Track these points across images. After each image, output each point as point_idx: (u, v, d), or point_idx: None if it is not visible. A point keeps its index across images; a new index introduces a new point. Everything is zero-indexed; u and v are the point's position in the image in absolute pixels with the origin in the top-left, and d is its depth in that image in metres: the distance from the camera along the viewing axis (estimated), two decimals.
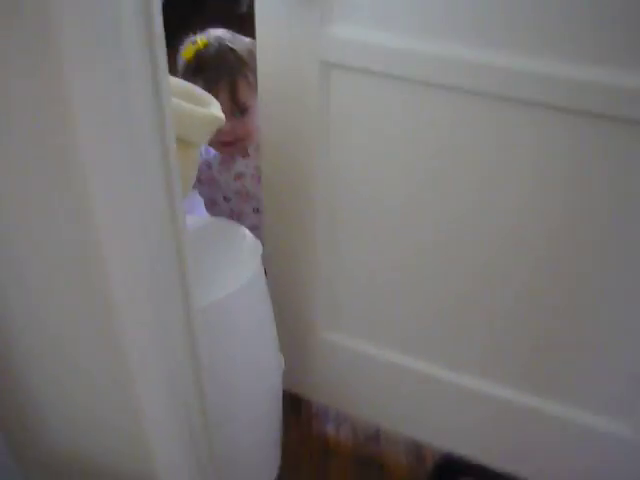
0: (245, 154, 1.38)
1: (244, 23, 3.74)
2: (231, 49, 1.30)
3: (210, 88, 1.23)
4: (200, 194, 1.48)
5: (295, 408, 1.57)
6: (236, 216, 1.44)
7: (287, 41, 1.08)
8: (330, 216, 1.25)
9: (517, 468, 1.35)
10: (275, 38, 1.09)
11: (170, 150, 0.71)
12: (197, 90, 1.09)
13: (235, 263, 1.13)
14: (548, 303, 1.15)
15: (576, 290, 1.11)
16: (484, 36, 0.96)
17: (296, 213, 1.27)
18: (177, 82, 1.08)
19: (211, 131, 1.02)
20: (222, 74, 1.27)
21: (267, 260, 1.34)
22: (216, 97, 1.22)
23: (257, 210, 1.42)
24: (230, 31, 1.34)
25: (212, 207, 1.47)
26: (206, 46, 1.29)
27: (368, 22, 1.03)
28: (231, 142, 1.33)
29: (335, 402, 1.54)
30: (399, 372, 1.37)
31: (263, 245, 1.17)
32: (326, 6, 1.03)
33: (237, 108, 1.29)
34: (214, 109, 1.03)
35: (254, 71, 1.25)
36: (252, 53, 1.29)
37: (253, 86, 1.28)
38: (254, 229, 1.42)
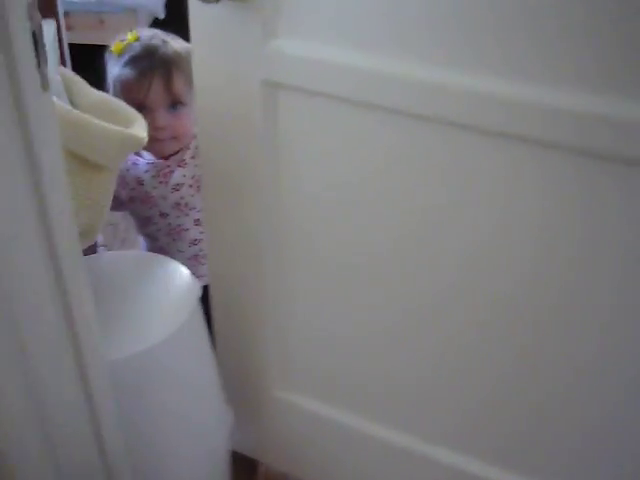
0: (181, 163, 1.26)
1: None
2: (164, 42, 1.21)
3: (143, 80, 1.17)
4: (132, 214, 1.35)
5: (249, 473, 1.40)
6: (176, 232, 1.31)
7: (224, 56, 0.92)
8: (279, 259, 1.09)
9: None
10: (211, 50, 0.93)
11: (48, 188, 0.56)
12: (121, 106, 0.94)
13: (168, 306, 0.99)
14: (545, 369, 0.98)
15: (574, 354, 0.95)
16: (449, 56, 0.81)
17: (241, 252, 1.11)
18: (99, 95, 0.94)
19: (126, 153, 0.88)
20: (157, 64, 1.18)
21: (213, 300, 1.20)
22: (149, 89, 1.16)
23: (198, 222, 1.30)
24: (162, 34, 1.24)
25: (147, 226, 1.33)
26: (137, 40, 1.20)
27: (319, 36, 0.87)
28: (165, 140, 1.22)
29: (290, 468, 1.35)
30: (362, 440, 1.19)
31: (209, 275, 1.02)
32: (269, 16, 0.87)
33: (172, 100, 1.20)
34: (137, 128, 0.88)
35: (189, 70, 1.13)
36: (188, 53, 1.18)
37: (189, 82, 1.18)
38: (195, 243, 1.32)
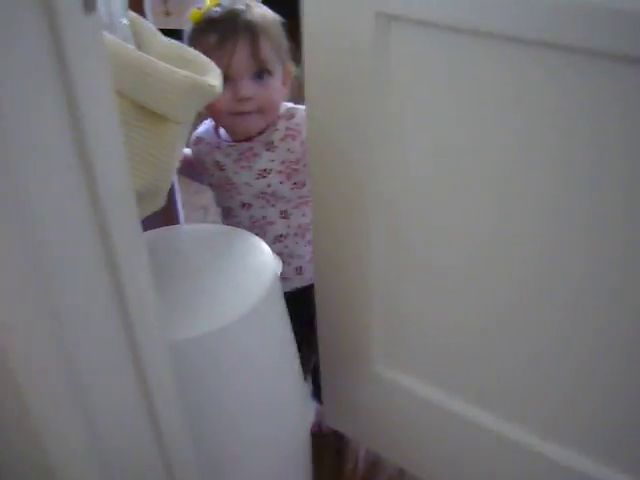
0: (269, 146, 1.13)
1: None
2: (249, 7, 1.09)
3: (225, 44, 1.05)
4: (216, 202, 1.25)
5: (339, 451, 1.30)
6: (259, 226, 1.18)
7: None
8: (388, 232, 0.97)
9: None
10: None
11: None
12: (194, 54, 0.84)
13: (244, 283, 0.89)
14: None
15: None
16: None
17: (348, 225, 1.00)
18: (169, 43, 0.84)
19: (196, 103, 0.76)
20: (241, 27, 1.05)
21: (316, 274, 1.10)
22: (232, 54, 1.04)
23: (285, 214, 1.18)
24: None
25: (228, 217, 1.22)
26: (218, 4, 1.08)
27: None
28: (250, 112, 1.09)
29: (383, 449, 1.25)
30: (461, 424, 1.07)
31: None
32: None
33: (259, 68, 1.07)
34: (211, 77, 0.77)
35: (276, 39, 1.07)
36: (275, 20, 1.11)
37: (276, 50, 1.08)
38: (281, 240, 1.19)
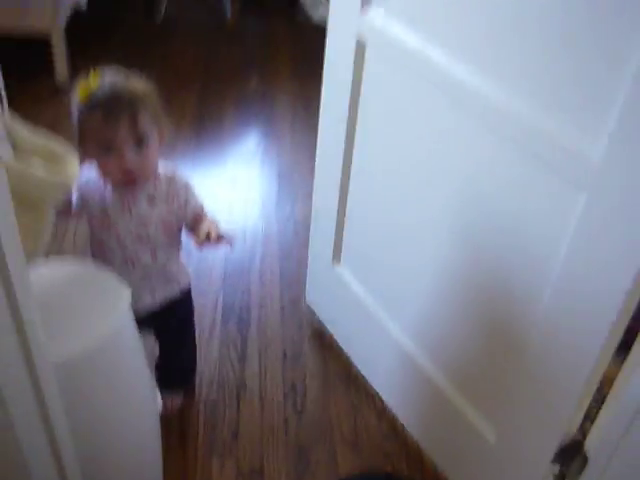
0: (152, 201, 1.37)
1: (159, 33, 3.83)
2: (126, 87, 1.29)
3: (109, 121, 1.24)
4: (91, 237, 1.45)
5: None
6: (130, 262, 1.42)
7: (338, 22, 1.50)
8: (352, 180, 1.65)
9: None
10: (333, 19, 1.52)
11: None
12: (57, 146, 1.12)
13: (101, 311, 1.17)
14: None
15: None
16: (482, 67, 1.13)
17: (332, 179, 1.71)
18: (36, 140, 1.12)
19: (60, 193, 1.06)
20: (122, 104, 1.26)
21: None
22: (117, 131, 1.24)
23: (154, 255, 1.42)
24: (123, 71, 1.33)
25: (100, 250, 1.43)
26: (99, 87, 1.26)
27: (399, 14, 1.30)
28: (133, 179, 1.32)
29: (328, 323, 1.94)
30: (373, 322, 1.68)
31: None
32: None
33: (138, 140, 1.28)
34: (69, 168, 1.07)
35: (152, 108, 1.28)
36: (148, 92, 1.32)
37: (153, 119, 1.30)
38: (147, 273, 1.44)
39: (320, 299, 1.94)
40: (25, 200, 0.96)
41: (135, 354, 1.26)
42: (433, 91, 1.25)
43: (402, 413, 1.69)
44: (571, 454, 1.19)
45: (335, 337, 1.90)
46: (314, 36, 3.72)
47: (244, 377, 1.80)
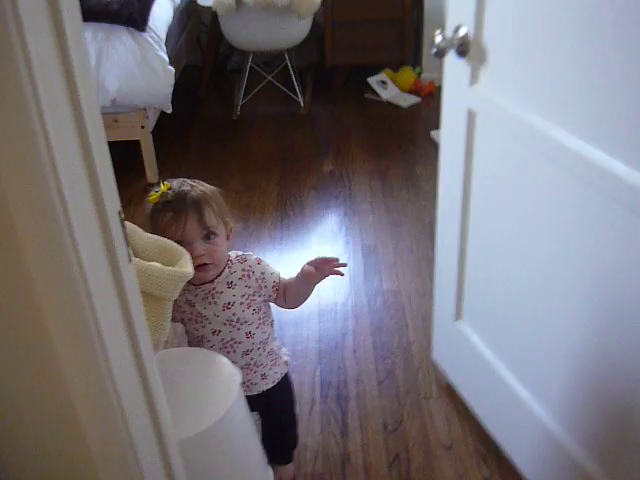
0: (230, 285, 1.49)
1: (236, 128, 4.06)
2: (192, 186, 1.45)
3: (179, 219, 1.38)
4: (187, 334, 1.58)
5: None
6: (229, 346, 1.52)
7: (451, 93, 1.67)
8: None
9: None
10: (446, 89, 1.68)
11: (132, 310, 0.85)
12: (169, 244, 1.24)
13: (213, 394, 1.26)
14: None
15: None
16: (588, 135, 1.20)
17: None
18: (150, 238, 1.24)
19: (180, 285, 1.17)
20: (188, 203, 1.41)
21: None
22: (185, 226, 1.38)
23: (250, 334, 1.53)
24: (191, 179, 1.48)
25: (200, 344, 1.55)
26: (169, 189, 1.43)
27: (504, 89, 1.43)
28: (205, 265, 1.43)
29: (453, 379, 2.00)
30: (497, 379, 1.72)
31: None
32: (475, 67, 1.51)
33: (206, 232, 1.43)
34: (185, 263, 1.18)
35: (216, 205, 1.43)
36: (213, 192, 1.47)
37: (218, 215, 1.45)
38: (247, 354, 1.54)
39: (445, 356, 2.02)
40: (148, 295, 1.07)
41: (248, 432, 1.34)
42: (537, 157, 1.35)
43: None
44: None
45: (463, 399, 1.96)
46: (383, 113, 3.89)
47: (347, 449, 1.84)
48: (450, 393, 2.00)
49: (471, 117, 1.57)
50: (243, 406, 1.31)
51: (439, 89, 4.20)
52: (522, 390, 1.61)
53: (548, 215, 1.37)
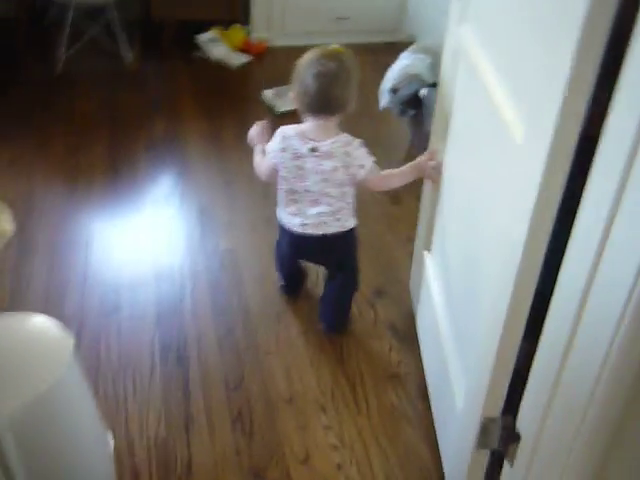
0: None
1: (59, 86, 3.81)
2: None
3: None
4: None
5: None
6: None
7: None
8: None
9: None
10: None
11: None
12: None
13: (42, 363, 1.20)
14: None
15: None
16: None
17: None
18: None
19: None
20: None
21: None
22: None
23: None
24: None
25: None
26: None
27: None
28: None
29: None
30: None
31: None
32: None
33: None
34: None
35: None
36: None
37: None
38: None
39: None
40: None
41: (82, 399, 1.29)
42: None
43: None
44: None
45: None
46: (214, 72, 3.82)
47: (190, 411, 1.84)
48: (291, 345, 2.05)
49: (455, 57, 1.65)
50: (76, 375, 1.27)
51: (269, 49, 4.21)
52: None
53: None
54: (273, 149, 1.87)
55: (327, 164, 1.80)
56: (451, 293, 1.68)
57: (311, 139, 1.80)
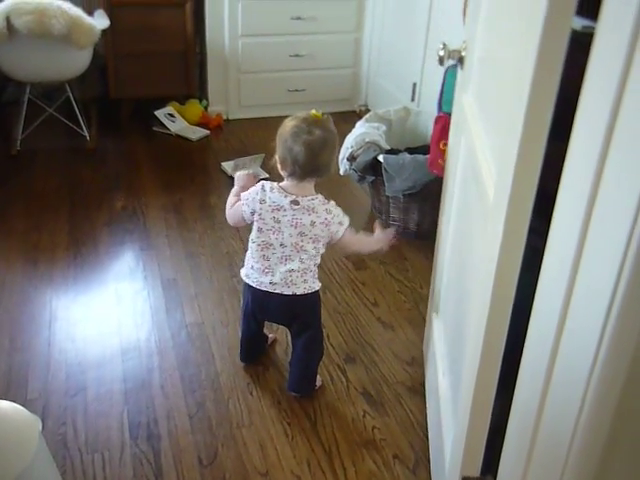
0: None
1: (17, 165, 3.82)
2: None
3: None
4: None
5: None
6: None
7: None
8: None
9: None
10: None
11: None
12: None
13: (9, 450, 1.17)
14: None
15: None
16: None
17: None
18: None
19: None
20: None
21: None
22: None
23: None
24: None
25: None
26: None
27: None
28: None
29: None
30: None
31: None
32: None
33: None
34: None
35: None
36: None
37: None
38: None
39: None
40: None
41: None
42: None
43: None
44: None
45: None
46: (173, 146, 3.86)
47: None
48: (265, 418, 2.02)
49: (459, 123, 1.73)
50: (45, 458, 1.23)
51: (227, 122, 4.32)
52: None
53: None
54: (248, 198, 1.89)
55: (306, 218, 1.84)
56: (449, 352, 1.70)
57: (291, 194, 1.84)
